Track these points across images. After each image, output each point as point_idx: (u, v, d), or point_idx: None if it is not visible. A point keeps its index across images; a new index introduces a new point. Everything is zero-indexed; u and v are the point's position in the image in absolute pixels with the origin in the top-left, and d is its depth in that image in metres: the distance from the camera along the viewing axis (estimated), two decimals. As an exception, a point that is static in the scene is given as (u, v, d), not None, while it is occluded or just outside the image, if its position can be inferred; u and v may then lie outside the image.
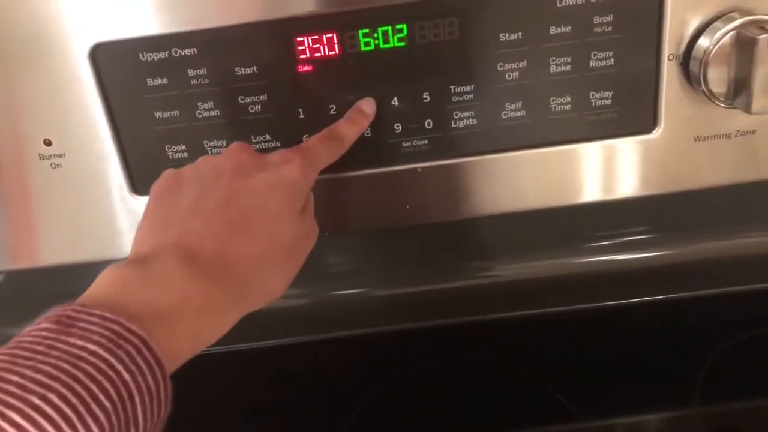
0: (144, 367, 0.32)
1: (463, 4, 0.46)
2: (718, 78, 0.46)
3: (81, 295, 0.35)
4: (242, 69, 0.47)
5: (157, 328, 0.34)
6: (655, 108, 0.49)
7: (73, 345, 0.31)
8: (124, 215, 0.51)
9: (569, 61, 0.47)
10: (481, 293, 0.70)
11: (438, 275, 0.69)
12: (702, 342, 0.64)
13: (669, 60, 0.47)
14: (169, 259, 0.37)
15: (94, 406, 0.29)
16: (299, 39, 0.46)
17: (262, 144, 0.49)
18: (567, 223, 0.67)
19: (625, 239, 0.69)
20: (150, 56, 0.46)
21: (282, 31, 0.46)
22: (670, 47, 0.47)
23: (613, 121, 0.49)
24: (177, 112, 0.48)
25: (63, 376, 0.29)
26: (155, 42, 0.46)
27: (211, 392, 0.64)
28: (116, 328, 0.32)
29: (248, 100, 0.48)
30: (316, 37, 0.46)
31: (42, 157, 0.48)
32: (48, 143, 0.48)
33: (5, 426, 0.27)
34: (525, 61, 0.47)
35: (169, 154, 0.49)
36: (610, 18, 0.46)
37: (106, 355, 0.31)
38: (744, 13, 0.45)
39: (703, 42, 0.46)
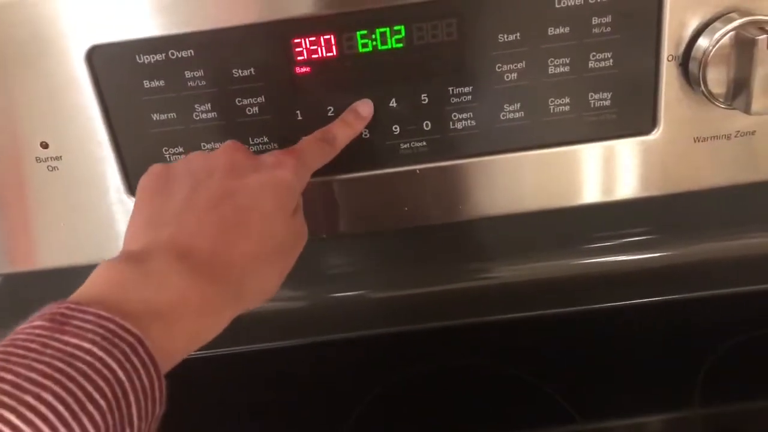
0: (139, 365, 0.32)
1: (461, 6, 0.46)
2: (717, 79, 0.46)
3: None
4: (239, 71, 0.47)
5: (153, 327, 0.34)
6: (655, 109, 0.49)
7: (68, 343, 0.31)
8: (121, 218, 0.51)
9: (568, 62, 0.47)
10: (481, 295, 0.69)
11: (437, 277, 0.69)
12: (701, 343, 0.64)
13: (668, 61, 0.47)
14: (164, 257, 0.37)
15: (89, 405, 0.29)
16: (297, 41, 0.46)
17: (260, 146, 0.49)
18: (566, 224, 0.67)
19: (624, 240, 0.69)
20: (147, 58, 0.46)
21: (279, 33, 0.46)
22: (669, 48, 0.47)
23: (612, 122, 0.49)
24: (174, 114, 0.48)
25: (57, 375, 0.29)
26: (152, 44, 0.46)
27: (210, 394, 0.64)
28: (111, 326, 0.32)
29: (246, 102, 0.48)
30: (314, 38, 0.46)
31: (39, 159, 0.48)
32: (45, 146, 0.48)
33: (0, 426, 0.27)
34: (523, 62, 0.47)
35: (167, 156, 0.49)
36: (608, 19, 0.46)
37: (100, 353, 0.31)
38: (743, 13, 0.45)
39: (703, 42, 0.46)
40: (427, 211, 0.53)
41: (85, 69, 0.46)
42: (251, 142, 0.49)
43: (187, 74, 0.46)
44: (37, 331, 0.31)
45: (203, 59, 0.46)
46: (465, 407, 0.63)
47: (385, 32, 0.46)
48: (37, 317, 0.32)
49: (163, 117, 0.48)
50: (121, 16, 0.45)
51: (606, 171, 0.51)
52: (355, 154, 0.49)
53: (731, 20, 0.45)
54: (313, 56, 0.47)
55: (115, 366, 0.31)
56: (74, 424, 0.28)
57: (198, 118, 0.48)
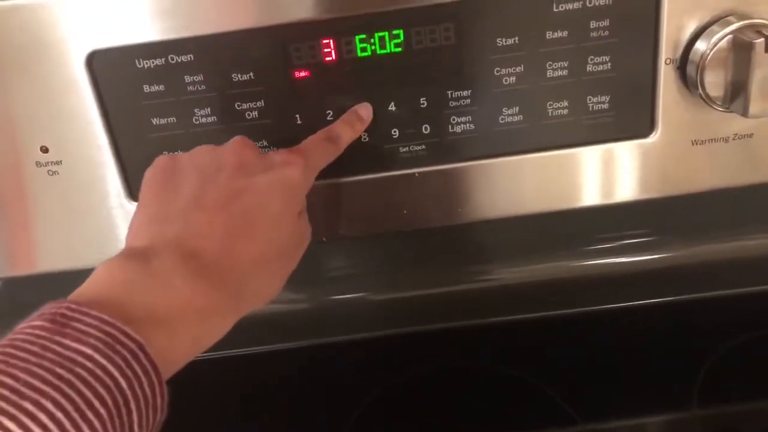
0: (140, 372, 0.32)
1: (460, 10, 0.46)
2: (715, 82, 0.46)
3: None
4: (239, 75, 0.47)
5: (155, 333, 0.33)
6: (653, 112, 0.49)
7: (68, 347, 0.30)
8: (121, 222, 0.51)
9: (566, 65, 0.47)
10: (480, 297, 0.70)
11: (437, 279, 0.69)
12: (701, 344, 0.64)
13: (666, 64, 0.47)
14: (169, 258, 0.36)
15: (89, 413, 0.29)
16: (296, 45, 0.46)
17: (260, 150, 0.49)
18: (566, 226, 0.67)
19: (624, 242, 0.69)
20: (146, 63, 0.46)
21: (278, 37, 0.46)
22: (667, 51, 0.47)
23: (610, 126, 0.49)
24: (174, 118, 0.48)
25: (57, 382, 0.29)
26: (152, 49, 0.46)
27: (209, 397, 0.64)
28: (112, 331, 0.31)
29: (245, 106, 0.48)
30: (313, 43, 0.46)
31: (39, 164, 0.48)
32: (45, 150, 0.48)
33: None
34: (522, 66, 0.47)
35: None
36: (606, 22, 0.46)
37: (101, 360, 0.30)
38: (741, 17, 0.45)
39: (700, 46, 0.46)
40: (426, 214, 0.53)
41: (85, 74, 0.46)
42: (251, 146, 0.49)
43: (187, 79, 0.47)
44: (37, 332, 0.31)
45: (203, 64, 0.46)
46: (465, 409, 0.63)
47: (383, 36, 0.46)
48: (37, 317, 0.32)
49: (163, 121, 0.48)
50: (120, 21, 0.45)
51: (604, 174, 0.51)
52: (355, 158, 0.49)
53: (729, 24, 0.45)
54: (312, 60, 0.47)
55: (116, 373, 0.30)
56: None
57: (198, 122, 0.48)
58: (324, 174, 0.47)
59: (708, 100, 0.46)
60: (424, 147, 0.50)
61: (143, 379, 0.32)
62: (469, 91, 0.48)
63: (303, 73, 0.47)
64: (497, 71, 0.48)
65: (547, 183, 0.51)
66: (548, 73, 0.48)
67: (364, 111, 0.48)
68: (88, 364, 0.30)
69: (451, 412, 0.63)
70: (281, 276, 0.42)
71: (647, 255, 0.69)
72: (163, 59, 0.46)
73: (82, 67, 0.46)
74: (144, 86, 0.47)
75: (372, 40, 0.47)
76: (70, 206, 0.50)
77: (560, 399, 0.62)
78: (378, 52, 0.47)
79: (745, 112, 0.45)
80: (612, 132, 0.50)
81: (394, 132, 0.49)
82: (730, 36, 0.45)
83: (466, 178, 0.51)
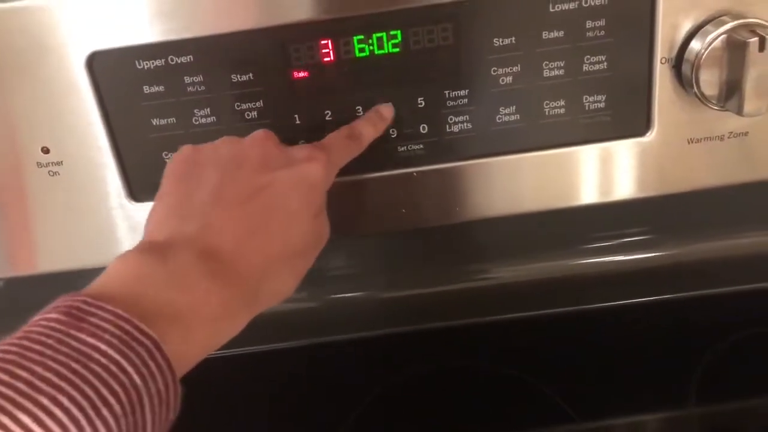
0: (155, 370, 0.31)
1: (457, 10, 0.46)
2: (710, 81, 0.46)
3: None
4: (238, 76, 0.47)
5: (170, 331, 0.33)
6: (649, 111, 0.49)
7: (84, 342, 0.30)
8: (122, 222, 0.51)
9: (562, 65, 0.48)
10: (479, 296, 0.70)
11: (436, 278, 0.69)
12: (698, 342, 0.65)
13: (661, 63, 0.48)
14: (186, 255, 0.36)
15: (103, 410, 0.29)
16: (294, 45, 0.47)
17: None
18: (564, 225, 0.67)
19: (622, 241, 0.69)
20: (146, 64, 0.46)
21: (277, 38, 0.46)
22: (662, 50, 0.47)
23: (606, 125, 0.50)
24: (174, 119, 0.48)
25: (73, 377, 0.29)
26: (151, 50, 0.46)
27: (208, 396, 0.64)
28: (127, 327, 0.31)
29: (244, 106, 0.48)
30: (311, 43, 0.47)
31: (40, 165, 0.48)
32: (45, 151, 0.48)
33: (14, 428, 0.27)
34: (518, 66, 0.48)
35: (167, 161, 0.49)
36: (602, 22, 0.47)
37: (117, 356, 0.30)
38: (735, 16, 0.45)
39: (695, 45, 0.46)
40: (424, 214, 0.53)
41: (86, 75, 0.46)
42: (250, 146, 0.49)
43: (187, 79, 0.47)
44: (53, 325, 0.31)
45: (202, 65, 0.47)
46: (464, 407, 0.63)
47: (381, 37, 0.47)
48: (52, 309, 0.32)
49: (163, 122, 0.48)
50: (120, 23, 0.45)
51: (601, 173, 0.51)
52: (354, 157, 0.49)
53: (723, 23, 0.45)
54: (311, 61, 0.47)
55: (131, 370, 0.30)
56: (89, 429, 0.28)
57: (197, 122, 0.48)
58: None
59: (703, 98, 0.47)
60: (422, 146, 0.50)
61: (158, 376, 0.31)
62: (467, 90, 0.49)
63: (302, 74, 0.47)
64: (494, 71, 0.48)
65: (544, 182, 0.51)
66: (545, 73, 0.48)
67: (387, 110, 0.48)
68: (104, 360, 0.30)
69: (449, 411, 0.63)
70: (297, 275, 0.41)
71: (645, 253, 0.69)
72: (162, 60, 0.46)
73: (82, 68, 0.46)
74: (144, 87, 0.47)
75: (370, 41, 0.47)
76: (70, 207, 0.50)
77: (558, 397, 0.62)
78: (376, 52, 0.47)
79: (740, 111, 0.45)
80: (608, 131, 0.50)
81: (392, 131, 0.50)
82: (724, 35, 0.45)
83: (464, 177, 0.51)
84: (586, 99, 0.49)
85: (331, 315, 0.69)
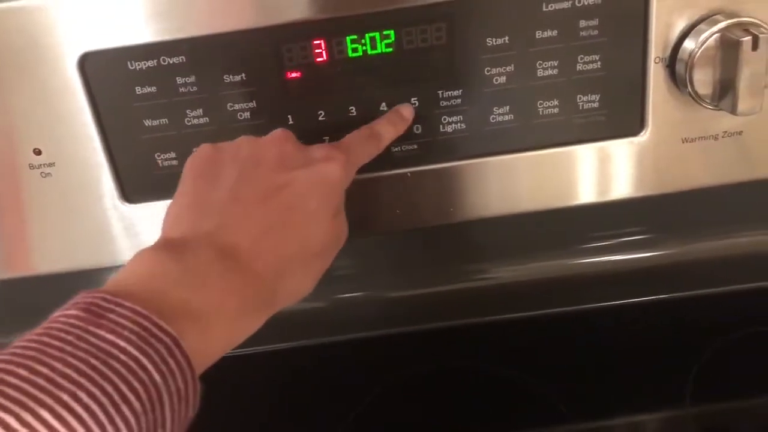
0: (174, 368, 0.31)
1: (450, 10, 0.46)
2: (703, 80, 0.46)
3: None
4: (231, 76, 0.47)
5: (189, 328, 0.33)
6: (643, 110, 0.49)
7: (103, 339, 0.30)
8: (115, 223, 0.51)
9: (556, 64, 0.48)
10: (476, 296, 0.70)
11: (434, 278, 0.69)
12: (695, 342, 0.65)
13: (655, 63, 0.47)
14: (204, 253, 0.36)
15: (123, 407, 0.29)
16: (287, 46, 0.46)
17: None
18: (561, 224, 0.67)
19: (618, 240, 0.69)
20: (138, 65, 0.46)
21: (270, 38, 0.46)
22: (656, 50, 0.47)
23: (600, 124, 0.50)
24: (166, 120, 0.48)
25: (93, 374, 0.29)
26: (143, 50, 0.46)
27: (206, 396, 0.64)
28: (147, 324, 0.31)
29: (237, 107, 0.48)
30: (304, 43, 0.46)
31: (32, 166, 0.48)
32: (38, 152, 0.48)
33: (34, 424, 0.27)
34: (512, 66, 0.48)
35: (159, 162, 0.49)
36: (596, 22, 0.47)
37: (136, 353, 0.30)
38: (728, 15, 0.45)
39: (689, 44, 0.46)
40: (419, 214, 0.53)
41: (78, 76, 0.46)
42: (243, 147, 0.49)
43: (179, 80, 0.47)
44: (72, 321, 0.31)
45: (194, 65, 0.46)
46: (462, 407, 0.63)
47: (374, 37, 0.47)
48: (71, 305, 0.32)
49: (155, 123, 0.48)
50: (115, 23, 0.45)
51: (595, 172, 0.51)
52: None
53: (716, 22, 0.45)
54: (304, 61, 0.47)
55: (150, 367, 0.30)
56: (108, 426, 0.28)
57: (190, 123, 0.48)
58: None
59: (697, 98, 0.47)
60: (416, 147, 0.50)
61: (177, 373, 0.31)
62: (460, 90, 0.48)
63: (295, 74, 0.47)
64: (488, 71, 0.48)
65: (538, 182, 0.51)
66: (538, 73, 0.48)
67: (407, 110, 0.48)
68: (123, 357, 0.30)
69: (448, 411, 0.63)
70: (315, 274, 0.41)
71: (642, 253, 0.69)
72: (154, 61, 0.46)
73: (74, 69, 0.46)
74: (136, 88, 0.47)
75: (363, 41, 0.47)
76: (64, 208, 0.50)
77: (555, 396, 0.62)
78: (369, 52, 0.47)
79: (733, 110, 0.45)
80: (603, 130, 0.50)
81: (386, 132, 0.50)
82: (717, 34, 0.45)
83: (458, 177, 0.51)
84: (580, 99, 0.49)
85: (328, 316, 0.69)
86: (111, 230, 0.51)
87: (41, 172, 0.49)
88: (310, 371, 0.68)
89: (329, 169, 0.41)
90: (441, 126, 0.50)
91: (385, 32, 0.47)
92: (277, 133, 0.43)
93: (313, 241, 0.40)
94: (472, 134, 0.50)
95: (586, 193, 0.52)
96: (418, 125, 0.49)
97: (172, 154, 0.49)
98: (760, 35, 0.43)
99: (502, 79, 0.48)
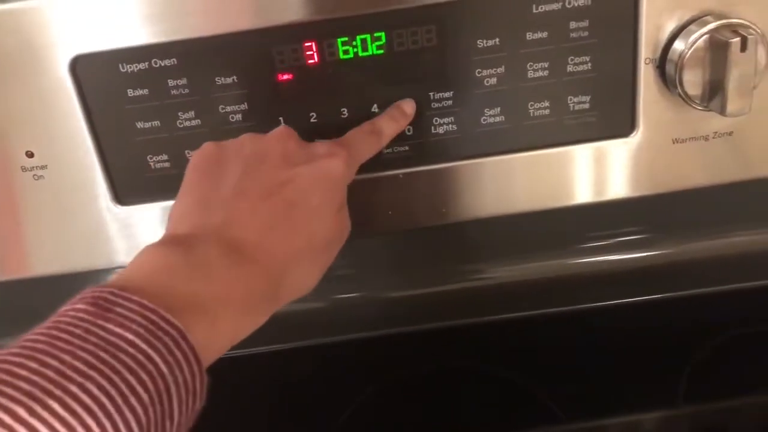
0: (181, 359, 0.32)
1: (441, 12, 0.46)
2: (693, 81, 0.46)
3: None
4: (222, 78, 0.47)
5: (196, 322, 0.33)
6: (633, 111, 0.49)
7: (111, 332, 0.31)
8: (109, 225, 0.51)
9: (546, 66, 0.48)
10: (473, 296, 0.70)
11: (430, 278, 0.69)
12: (687, 341, 0.65)
13: (645, 64, 0.48)
14: (211, 247, 0.37)
15: (131, 398, 0.29)
16: (278, 48, 0.47)
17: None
18: (558, 224, 0.67)
19: (614, 240, 0.69)
20: (130, 67, 0.46)
21: (261, 41, 0.46)
22: (646, 51, 0.47)
23: (591, 125, 0.50)
24: (158, 122, 0.48)
25: (101, 366, 0.29)
26: (135, 53, 0.46)
27: (209, 397, 0.64)
28: (154, 317, 0.32)
29: (229, 109, 0.48)
30: (295, 45, 0.47)
31: (24, 168, 0.48)
32: (30, 155, 0.48)
33: (44, 415, 0.27)
34: (503, 67, 0.48)
35: (151, 164, 0.49)
36: (586, 23, 0.47)
37: (143, 346, 0.31)
38: (718, 16, 0.45)
39: (679, 45, 0.46)
40: (411, 215, 0.53)
41: (69, 78, 0.46)
42: (235, 149, 0.49)
43: (170, 82, 0.47)
44: (81, 315, 0.31)
45: (186, 67, 0.47)
46: (460, 407, 0.63)
47: (365, 39, 0.47)
48: (79, 299, 0.32)
49: (147, 125, 0.48)
50: (105, 26, 0.45)
51: (587, 173, 0.51)
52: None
53: (706, 23, 0.45)
54: (295, 63, 0.47)
55: (158, 359, 0.31)
56: (117, 417, 0.28)
57: (182, 125, 0.48)
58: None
59: (687, 98, 0.47)
60: (407, 148, 0.50)
61: (184, 366, 0.32)
62: (451, 92, 0.49)
63: (286, 76, 0.48)
64: (478, 72, 0.48)
65: (529, 183, 0.51)
66: (529, 74, 0.48)
67: (408, 106, 0.48)
68: (131, 350, 0.30)
69: (446, 411, 0.63)
70: (319, 269, 0.42)
71: (636, 253, 0.69)
72: (146, 63, 0.46)
73: (66, 71, 0.46)
74: (128, 90, 0.47)
75: (354, 43, 0.47)
76: (57, 210, 0.50)
77: (550, 396, 0.62)
78: (360, 54, 0.47)
79: (723, 111, 0.45)
80: (594, 131, 0.50)
81: (378, 133, 0.50)
82: (707, 36, 0.45)
83: (450, 178, 0.51)
84: (571, 100, 0.49)
85: (325, 316, 0.69)
86: (105, 232, 0.52)
87: (34, 175, 0.49)
88: (308, 372, 0.68)
89: (332, 165, 0.42)
90: (432, 127, 0.50)
91: (376, 34, 0.47)
92: (280, 130, 0.44)
93: (317, 235, 0.41)
94: (464, 136, 0.50)
95: (577, 194, 0.52)
96: (410, 126, 0.49)
97: (165, 156, 0.49)
98: (749, 36, 0.43)
99: (493, 81, 0.48)
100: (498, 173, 0.51)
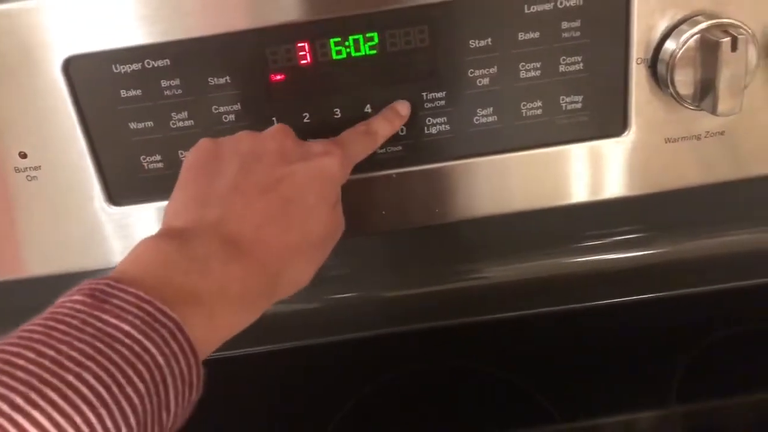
0: (177, 351, 0.32)
1: (433, 12, 0.46)
2: (684, 80, 0.46)
3: None
4: (215, 79, 0.47)
5: (192, 314, 0.34)
6: (625, 111, 0.49)
7: (108, 323, 0.31)
8: (102, 225, 0.51)
9: (539, 66, 0.48)
10: (469, 295, 0.70)
11: (426, 278, 0.69)
12: (681, 340, 0.65)
13: (637, 63, 0.48)
14: (208, 241, 0.37)
15: (128, 389, 0.29)
16: (271, 48, 0.47)
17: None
18: (555, 224, 0.67)
19: (611, 239, 0.69)
20: (123, 68, 0.46)
21: (254, 41, 0.47)
22: (638, 51, 0.47)
23: (583, 125, 0.50)
24: (151, 122, 0.48)
25: (98, 356, 0.29)
26: (128, 54, 0.46)
27: (205, 397, 0.64)
28: (150, 309, 0.32)
29: (222, 109, 0.48)
30: (288, 46, 0.47)
31: (17, 169, 0.49)
32: (23, 156, 0.48)
33: (42, 403, 0.27)
34: (495, 67, 0.48)
35: (145, 164, 0.49)
36: (577, 23, 0.47)
37: (140, 337, 0.31)
38: (709, 16, 0.45)
39: (670, 45, 0.46)
40: (405, 215, 0.53)
41: (62, 79, 0.46)
42: (229, 149, 0.49)
43: (164, 83, 0.47)
44: (77, 306, 0.31)
45: (179, 68, 0.47)
46: (456, 406, 0.63)
47: (358, 39, 0.47)
48: (76, 291, 0.32)
49: (141, 126, 0.48)
50: (98, 27, 0.45)
51: (578, 173, 0.51)
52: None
53: (697, 23, 0.45)
54: (288, 63, 0.47)
55: (154, 350, 0.31)
56: (114, 407, 0.29)
57: (175, 126, 0.48)
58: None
59: (678, 98, 0.47)
60: (400, 148, 0.51)
61: (180, 357, 0.32)
62: (444, 92, 0.49)
63: (279, 76, 0.48)
64: (471, 72, 0.48)
65: (522, 182, 0.52)
66: (521, 74, 0.48)
67: (402, 107, 0.49)
68: (127, 341, 0.31)
69: (440, 410, 0.63)
70: (314, 266, 0.42)
71: (630, 252, 0.69)
72: (139, 64, 0.46)
73: (59, 72, 0.46)
74: (121, 91, 0.47)
75: (347, 43, 0.47)
76: (51, 211, 0.50)
77: (544, 396, 0.62)
78: (353, 54, 0.47)
79: (714, 110, 0.45)
80: (586, 131, 0.50)
81: (371, 133, 0.50)
82: (698, 35, 0.45)
83: (443, 178, 0.51)
84: (563, 99, 0.49)
85: (323, 316, 0.69)
86: (98, 233, 0.52)
87: (27, 176, 0.49)
88: (303, 372, 0.68)
89: (327, 163, 0.42)
90: (425, 128, 0.50)
91: (368, 34, 0.47)
92: (277, 127, 0.44)
93: (313, 232, 0.41)
94: (457, 135, 0.50)
95: (570, 194, 0.52)
96: (403, 127, 0.50)
97: (158, 157, 0.49)
98: (740, 36, 0.43)
99: (486, 81, 0.48)
100: (491, 173, 0.51)
